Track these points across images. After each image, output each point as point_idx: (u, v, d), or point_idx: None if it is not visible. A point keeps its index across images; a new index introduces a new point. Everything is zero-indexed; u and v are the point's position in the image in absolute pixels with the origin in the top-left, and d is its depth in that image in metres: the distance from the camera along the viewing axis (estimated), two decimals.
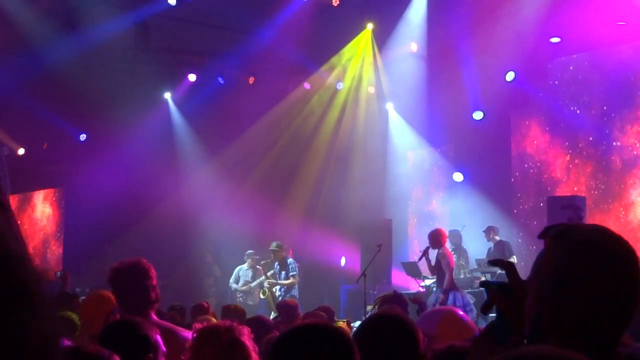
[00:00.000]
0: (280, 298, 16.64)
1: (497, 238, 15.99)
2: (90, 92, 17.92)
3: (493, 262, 2.44)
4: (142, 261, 4.97)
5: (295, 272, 16.84)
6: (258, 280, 17.43)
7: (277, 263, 16.92)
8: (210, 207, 19.49)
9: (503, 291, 2.27)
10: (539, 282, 2.09)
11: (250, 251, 17.70)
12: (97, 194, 19.16)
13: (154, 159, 19.31)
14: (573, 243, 2.05)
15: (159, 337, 4.09)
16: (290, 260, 16.95)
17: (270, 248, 16.90)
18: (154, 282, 4.92)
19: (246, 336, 4.14)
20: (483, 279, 14.95)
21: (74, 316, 7.34)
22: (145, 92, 19.16)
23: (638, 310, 2.05)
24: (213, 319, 7.80)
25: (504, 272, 2.32)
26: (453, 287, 13.24)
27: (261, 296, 16.96)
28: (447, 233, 14.19)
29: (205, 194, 19.69)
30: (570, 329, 2.02)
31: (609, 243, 2.05)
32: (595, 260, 2.02)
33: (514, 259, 15.49)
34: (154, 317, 4.93)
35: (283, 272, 16.88)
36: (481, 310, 2.31)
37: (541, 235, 2.12)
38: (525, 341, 2.13)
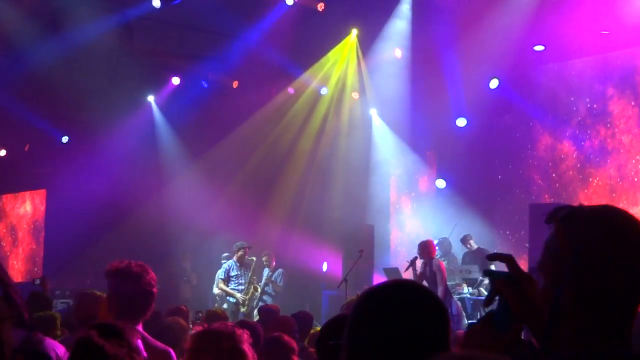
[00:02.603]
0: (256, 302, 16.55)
1: (474, 245, 16.04)
2: (73, 93, 17.83)
3: (491, 257, 2.51)
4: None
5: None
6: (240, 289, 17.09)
7: (237, 265, 16.68)
8: (192, 211, 19.42)
9: (508, 280, 2.33)
10: (553, 264, 2.14)
11: (225, 254, 17.55)
12: (79, 196, 19.06)
13: (136, 162, 19.24)
14: (583, 221, 2.12)
15: (140, 343, 4.01)
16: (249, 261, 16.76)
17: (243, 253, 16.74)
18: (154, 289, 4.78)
19: (246, 343, 4.12)
20: (464, 285, 15.01)
21: (57, 315, 7.42)
22: (128, 94, 19.08)
23: None
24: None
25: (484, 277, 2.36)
26: (447, 295, 13.23)
27: (242, 309, 16.60)
28: (435, 243, 14.18)
29: (187, 197, 19.63)
30: (591, 304, 2.07)
31: (617, 216, 2.13)
32: (607, 233, 2.08)
33: (492, 267, 15.52)
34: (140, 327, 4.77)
35: (248, 276, 16.73)
36: (484, 302, 2.37)
37: (549, 219, 2.18)
38: (544, 325, 2.15)
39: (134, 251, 17.52)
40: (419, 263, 13.68)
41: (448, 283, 15.03)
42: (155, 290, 4.74)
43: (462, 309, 13.50)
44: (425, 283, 13.42)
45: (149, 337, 4.74)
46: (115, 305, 4.68)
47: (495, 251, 16.13)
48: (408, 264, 13.74)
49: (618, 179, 15.50)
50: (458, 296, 14.52)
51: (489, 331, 2.26)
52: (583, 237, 2.09)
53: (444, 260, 14.74)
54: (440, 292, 12.99)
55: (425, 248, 13.58)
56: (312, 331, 8.36)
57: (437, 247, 14.91)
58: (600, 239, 2.07)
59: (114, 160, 19.05)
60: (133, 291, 4.64)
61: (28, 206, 23.68)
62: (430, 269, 13.32)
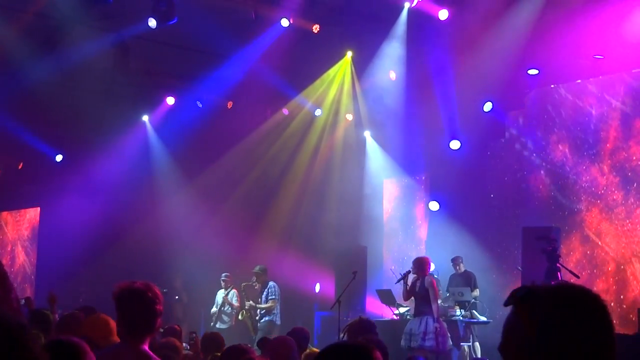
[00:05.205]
0: (259, 321, 16.67)
1: (463, 268, 16.09)
2: (68, 112, 17.86)
3: None
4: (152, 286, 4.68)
5: (274, 297, 16.84)
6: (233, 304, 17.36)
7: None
8: (186, 231, 19.41)
9: None
10: (515, 346, 2.10)
11: (225, 274, 17.65)
12: (73, 215, 19.05)
13: (130, 181, 19.25)
14: (543, 302, 2.07)
15: None
16: (270, 284, 16.94)
17: (254, 271, 16.92)
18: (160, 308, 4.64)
19: None
20: (457, 308, 15.00)
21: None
22: (123, 114, 19.11)
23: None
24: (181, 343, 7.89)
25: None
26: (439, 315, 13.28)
27: (239, 317, 16.95)
28: (431, 261, 14.18)
29: (181, 217, 19.62)
30: None
31: (577, 296, 2.09)
32: (569, 315, 2.04)
33: (476, 292, 15.55)
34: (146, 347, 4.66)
35: (263, 296, 16.88)
36: None
37: (508, 302, 2.13)
38: None
39: (127, 270, 17.54)
40: (411, 278, 13.67)
41: None
42: (158, 307, 4.61)
43: (446, 329, 13.45)
44: (413, 299, 13.50)
45: (154, 356, 4.67)
46: (119, 325, 4.62)
47: (485, 274, 16.17)
48: (401, 276, 13.73)
49: (613, 201, 15.52)
50: (450, 318, 14.50)
51: None
52: (545, 320, 2.04)
53: None
54: (434, 308, 13.03)
55: (420, 265, 13.57)
56: (307, 350, 8.34)
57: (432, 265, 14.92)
58: (562, 320, 2.04)
59: (108, 179, 19.05)
60: (135, 310, 4.54)
61: (21, 224, 23.63)
62: (422, 286, 13.32)
